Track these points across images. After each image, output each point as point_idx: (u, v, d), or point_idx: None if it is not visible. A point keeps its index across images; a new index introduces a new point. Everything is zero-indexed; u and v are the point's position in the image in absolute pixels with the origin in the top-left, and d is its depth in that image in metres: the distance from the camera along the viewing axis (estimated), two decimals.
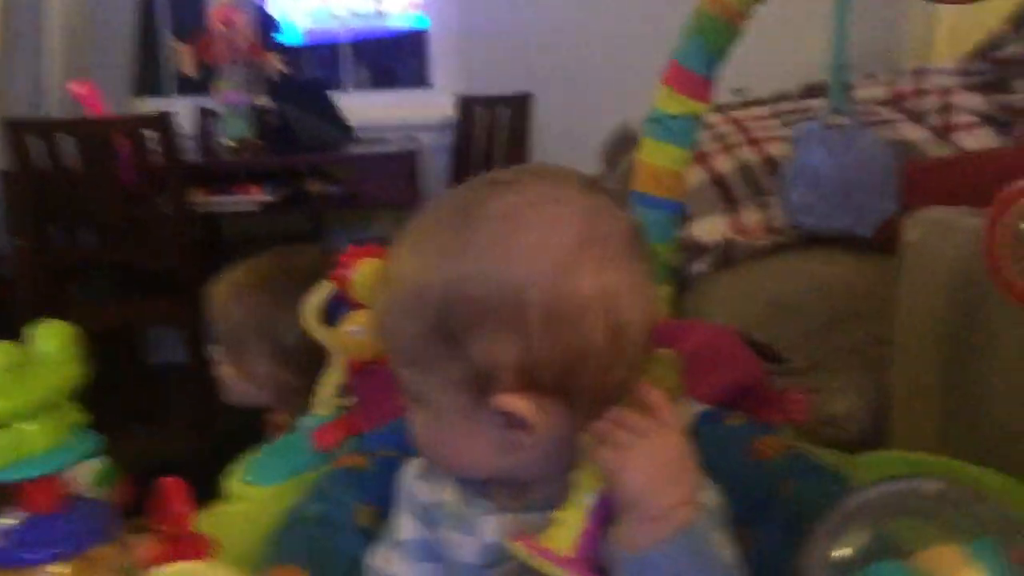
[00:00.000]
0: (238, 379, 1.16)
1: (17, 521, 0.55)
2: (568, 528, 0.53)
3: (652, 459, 0.52)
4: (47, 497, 0.55)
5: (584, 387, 0.55)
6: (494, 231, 0.55)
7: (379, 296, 0.60)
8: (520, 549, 0.53)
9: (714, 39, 0.90)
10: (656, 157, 0.95)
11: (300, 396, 1.07)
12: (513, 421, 0.55)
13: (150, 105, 2.95)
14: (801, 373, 1.27)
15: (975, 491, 0.42)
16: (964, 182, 0.89)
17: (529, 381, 0.54)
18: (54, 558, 0.55)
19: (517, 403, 0.55)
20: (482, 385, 0.55)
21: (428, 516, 0.64)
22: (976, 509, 0.41)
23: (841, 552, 0.40)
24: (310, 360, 1.06)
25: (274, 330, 1.10)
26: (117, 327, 2.70)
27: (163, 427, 2.53)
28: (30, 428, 0.53)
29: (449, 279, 0.55)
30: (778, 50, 2.55)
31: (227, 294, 1.14)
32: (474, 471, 0.60)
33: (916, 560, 0.39)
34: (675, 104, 0.93)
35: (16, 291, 2.32)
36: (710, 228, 1.82)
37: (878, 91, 2.06)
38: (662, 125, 0.94)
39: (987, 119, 1.89)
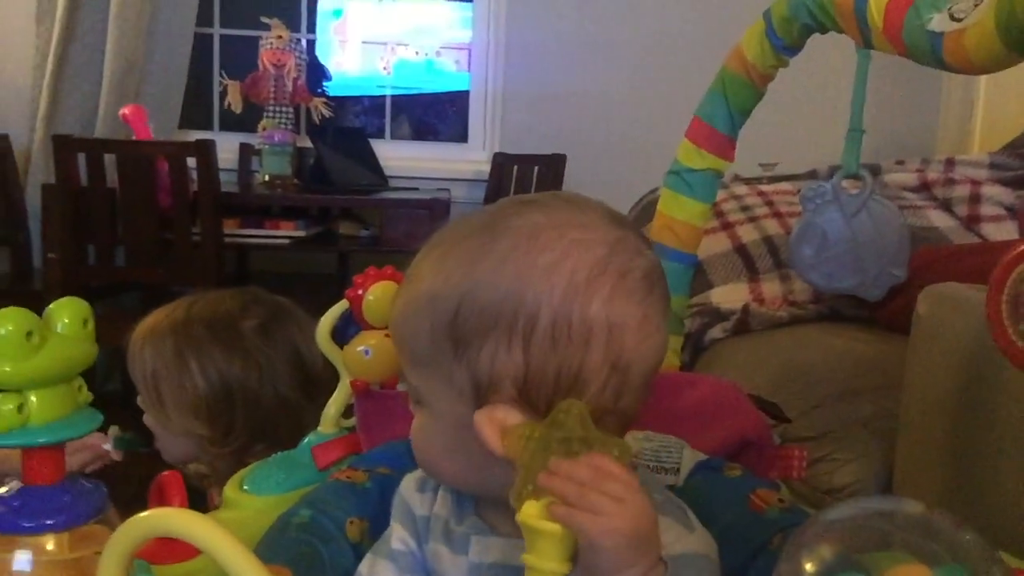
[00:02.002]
0: (157, 427, 1.13)
1: (13, 489, 0.56)
2: None
3: (630, 525, 0.51)
4: (47, 468, 0.56)
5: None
6: (515, 245, 0.56)
7: (400, 294, 0.62)
8: None
9: (736, 98, 0.92)
10: (674, 209, 0.96)
11: (214, 446, 1.09)
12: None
13: (194, 137, 3.03)
14: (808, 442, 1.26)
15: (957, 520, 0.42)
16: (974, 269, 0.90)
17: (524, 397, 0.55)
18: (48, 528, 0.55)
19: (509, 417, 0.55)
20: (481, 394, 0.56)
21: (420, 529, 0.64)
22: (957, 537, 0.40)
23: (810, 567, 0.40)
24: (219, 411, 1.08)
25: (182, 376, 1.08)
26: None
27: None
28: (37, 397, 0.54)
29: (465, 285, 0.56)
30: (813, 129, 2.59)
31: (140, 341, 1.11)
32: (460, 482, 0.61)
33: None
34: (696, 159, 0.95)
35: (46, 304, 2.37)
36: (730, 296, 1.83)
37: (908, 177, 2.08)
38: (682, 179, 0.96)
39: (1014, 212, 1.90)
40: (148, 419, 1.13)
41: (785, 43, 0.89)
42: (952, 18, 0.70)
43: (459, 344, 0.56)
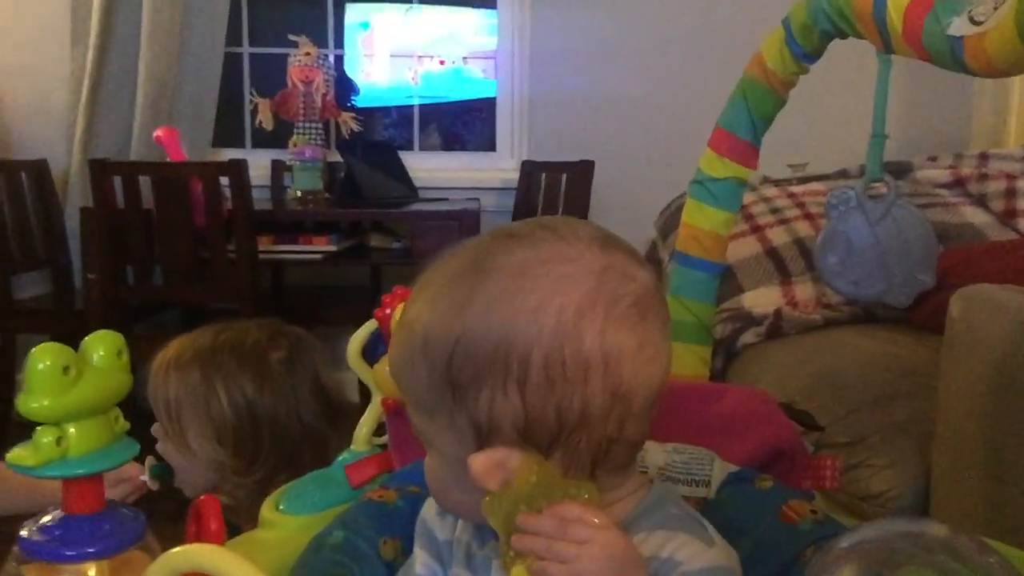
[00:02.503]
0: (177, 456, 1.12)
1: (55, 519, 0.58)
2: None
3: (598, 565, 0.51)
4: (86, 498, 0.58)
5: (582, 447, 0.56)
6: (503, 287, 0.56)
7: (396, 339, 0.61)
8: None
9: (758, 106, 0.92)
10: (699, 219, 0.96)
11: (238, 475, 1.09)
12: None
13: (227, 155, 3.08)
14: (844, 448, 1.25)
15: (983, 543, 0.42)
16: (1008, 267, 0.89)
17: (526, 437, 0.55)
18: (90, 556, 0.57)
19: (514, 460, 0.55)
20: (483, 436, 0.56)
21: (443, 553, 0.64)
22: (980, 561, 0.40)
23: None
24: (245, 439, 1.09)
25: (209, 405, 1.08)
26: None
27: None
28: (75, 429, 0.56)
29: (457, 331, 0.56)
30: (842, 127, 2.56)
31: (164, 368, 1.11)
32: (474, 516, 0.60)
33: None
34: (719, 167, 0.95)
35: (85, 324, 2.42)
36: (762, 300, 1.81)
37: (941, 173, 2.05)
38: (705, 188, 0.95)
39: None
40: (164, 448, 1.13)
41: (805, 50, 0.89)
42: (972, 21, 0.69)
43: (457, 390, 0.56)
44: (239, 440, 1.08)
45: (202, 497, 0.71)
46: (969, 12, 0.69)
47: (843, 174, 2.16)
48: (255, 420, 1.09)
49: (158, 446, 1.13)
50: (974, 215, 1.88)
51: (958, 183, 2.00)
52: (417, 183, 3.03)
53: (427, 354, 0.57)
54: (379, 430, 0.90)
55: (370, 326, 0.90)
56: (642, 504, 0.60)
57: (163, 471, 1.12)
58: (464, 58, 3.41)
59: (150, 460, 1.11)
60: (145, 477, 1.09)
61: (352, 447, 0.92)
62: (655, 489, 0.61)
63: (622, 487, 0.59)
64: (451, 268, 0.59)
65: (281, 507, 0.87)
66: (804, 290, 1.78)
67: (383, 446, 0.89)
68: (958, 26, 0.69)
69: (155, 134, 2.62)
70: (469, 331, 0.55)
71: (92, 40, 2.89)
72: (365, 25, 3.44)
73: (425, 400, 0.58)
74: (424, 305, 0.58)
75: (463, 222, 2.55)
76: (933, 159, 2.17)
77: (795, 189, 2.05)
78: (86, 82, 2.90)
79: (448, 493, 0.61)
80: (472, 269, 0.57)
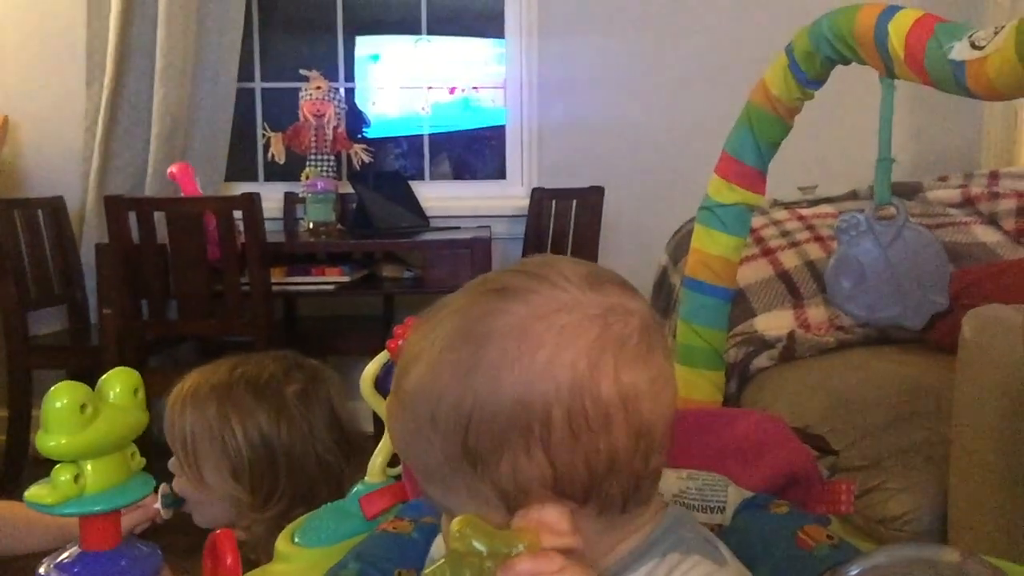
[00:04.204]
0: (193, 491, 1.11)
1: (73, 556, 0.59)
2: None
3: None
4: (104, 534, 0.58)
5: (615, 489, 0.55)
6: (506, 350, 0.54)
7: (395, 413, 0.59)
8: None
9: (764, 132, 0.92)
10: (708, 245, 0.97)
11: (254, 511, 1.08)
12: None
13: (240, 189, 3.10)
14: (859, 471, 1.24)
15: (996, 568, 0.41)
16: (1020, 286, 0.88)
17: (558, 492, 0.54)
18: None
19: (547, 516, 0.54)
20: (511, 501, 0.55)
21: None
22: None
23: None
24: (262, 475, 1.08)
25: (225, 440, 1.08)
26: None
27: None
28: (92, 466, 0.56)
29: (468, 402, 0.54)
30: (852, 148, 2.56)
31: (180, 403, 1.11)
32: None
33: None
34: (727, 193, 0.95)
35: (101, 359, 2.44)
36: (775, 323, 1.81)
37: (951, 193, 2.05)
38: (714, 214, 0.96)
39: None
40: (180, 483, 1.12)
41: (809, 76, 0.90)
42: (973, 46, 0.70)
43: (477, 462, 0.54)
44: (255, 476, 1.08)
45: (218, 531, 0.71)
46: (970, 37, 0.70)
47: (853, 195, 2.16)
48: (271, 456, 1.09)
49: (175, 481, 1.12)
50: (985, 234, 1.88)
51: (968, 202, 2.00)
52: (428, 212, 3.05)
53: (439, 429, 0.55)
54: (393, 460, 0.91)
55: (382, 357, 0.91)
56: (657, 530, 0.60)
57: (176, 500, 1.12)
58: (474, 87, 3.44)
59: (163, 488, 1.11)
60: (159, 505, 1.09)
61: (366, 478, 0.92)
62: (669, 513, 0.61)
63: (642, 516, 0.59)
64: (442, 335, 0.56)
65: (296, 539, 0.87)
66: (816, 312, 1.78)
67: (397, 477, 0.90)
68: (959, 51, 0.70)
69: (169, 170, 2.65)
70: (481, 401, 0.53)
71: (107, 80, 2.93)
72: (375, 57, 3.48)
73: (441, 474, 0.56)
74: (422, 376, 0.56)
75: (474, 250, 2.56)
76: (943, 179, 2.17)
77: (805, 212, 2.05)
78: (101, 120, 2.94)
79: None
80: (468, 335, 0.55)
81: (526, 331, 0.54)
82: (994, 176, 2.08)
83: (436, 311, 0.58)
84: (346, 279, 2.62)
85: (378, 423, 0.92)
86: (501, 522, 0.55)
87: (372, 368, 0.91)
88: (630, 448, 0.55)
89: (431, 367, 0.55)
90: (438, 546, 0.67)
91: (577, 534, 0.54)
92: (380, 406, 0.90)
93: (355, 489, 0.91)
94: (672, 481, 0.73)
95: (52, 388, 0.56)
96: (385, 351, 0.90)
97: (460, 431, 0.54)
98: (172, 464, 1.13)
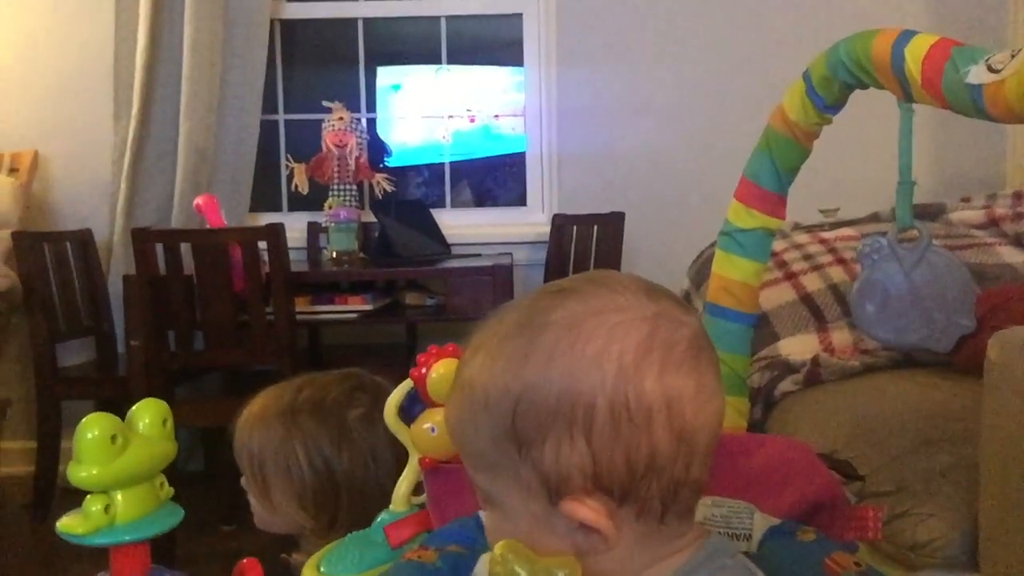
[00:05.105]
0: (261, 509, 1.13)
1: None
2: None
3: None
4: (133, 563, 0.59)
5: (653, 491, 0.56)
6: (559, 339, 0.57)
7: (452, 401, 0.62)
8: None
9: (782, 157, 0.93)
10: (728, 270, 0.97)
11: (316, 536, 1.08)
12: (586, 524, 0.56)
13: (265, 219, 3.15)
14: (887, 496, 1.23)
15: None
16: None
17: (598, 486, 0.56)
18: None
19: (585, 510, 0.56)
20: (553, 490, 0.56)
21: None
22: None
23: None
24: (325, 502, 1.09)
25: (289, 465, 1.09)
26: (217, 427, 2.81)
27: (249, 531, 2.57)
28: (123, 496, 0.57)
29: (518, 387, 0.57)
30: (873, 170, 2.56)
31: (248, 424, 1.13)
32: None
33: None
34: (746, 218, 0.95)
35: (129, 390, 2.46)
36: (799, 347, 1.80)
37: (975, 214, 2.04)
38: (733, 239, 0.96)
39: None
40: (253, 503, 1.14)
41: (827, 101, 0.90)
42: (990, 70, 0.70)
43: (522, 445, 0.57)
44: (318, 502, 1.09)
45: (245, 560, 0.72)
46: (987, 60, 0.70)
47: (875, 218, 2.15)
48: (334, 483, 1.09)
49: (249, 497, 1.14)
50: (1011, 255, 1.86)
51: (993, 223, 1.98)
52: (450, 240, 3.07)
53: (490, 412, 0.58)
54: (417, 489, 0.91)
55: (406, 386, 0.91)
56: (697, 556, 0.60)
57: None
58: (494, 115, 3.47)
59: None
60: None
61: (391, 507, 0.92)
62: (710, 542, 0.62)
63: (683, 537, 0.60)
64: (504, 327, 0.60)
65: (322, 569, 0.87)
66: (841, 336, 1.76)
67: (422, 505, 0.90)
68: (976, 74, 0.70)
69: (195, 202, 2.69)
70: (530, 385, 0.57)
71: (134, 114, 2.99)
72: (396, 87, 3.52)
73: (489, 458, 0.59)
74: (481, 365, 0.60)
75: (496, 277, 2.56)
76: (966, 200, 2.16)
77: (827, 234, 2.04)
78: (128, 154, 3.00)
79: None
80: (526, 325, 0.59)
81: (580, 324, 0.57)
82: (1018, 196, 2.07)
83: (502, 309, 0.62)
84: (369, 307, 2.63)
85: (402, 452, 0.93)
86: (541, 512, 0.57)
87: (396, 396, 0.92)
88: (671, 451, 0.56)
89: (490, 355, 0.59)
90: (483, 563, 0.67)
91: (614, 530, 0.56)
92: (404, 434, 0.90)
93: (380, 518, 0.92)
94: (697, 508, 0.73)
95: (84, 420, 0.57)
96: (408, 379, 0.91)
97: (508, 414, 0.57)
98: (244, 482, 1.15)
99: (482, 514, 0.66)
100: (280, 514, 1.12)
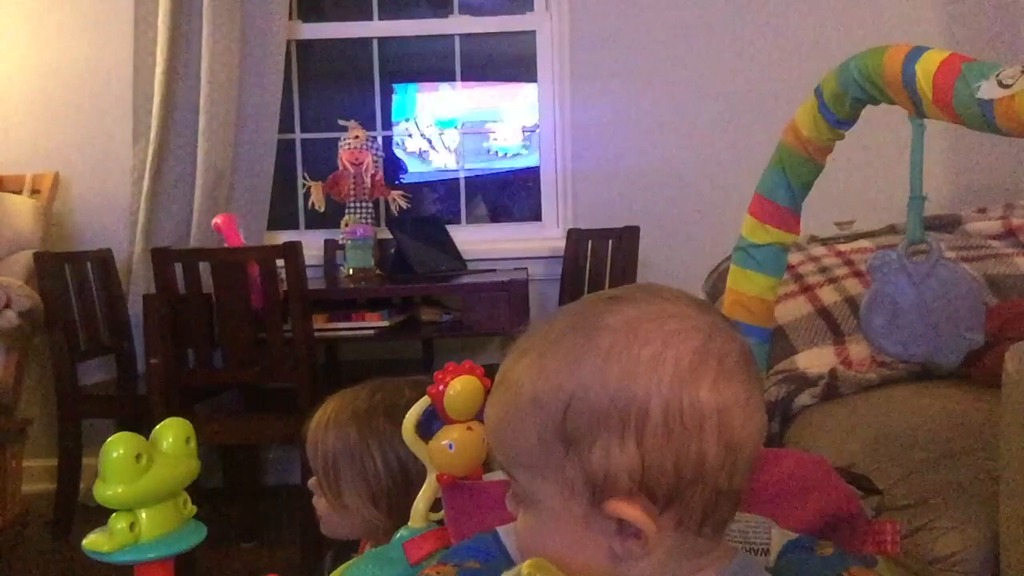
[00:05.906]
0: (331, 512, 1.15)
1: None
2: None
3: None
4: None
5: (696, 499, 0.57)
6: (615, 342, 0.57)
7: (495, 400, 0.62)
8: None
9: (796, 173, 0.93)
10: (743, 285, 0.97)
11: (387, 536, 1.06)
12: (626, 529, 0.57)
13: (282, 238, 3.17)
14: (906, 510, 1.22)
15: None
16: None
17: (644, 489, 0.56)
18: None
19: (631, 510, 0.56)
20: (597, 490, 0.56)
21: None
22: None
23: None
24: (399, 500, 1.08)
25: (364, 465, 1.11)
26: (237, 445, 2.83)
27: (269, 547, 2.58)
28: (147, 514, 0.58)
29: (571, 387, 0.57)
30: (889, 182, 2.55)
31: (323, 426, 1.15)
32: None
33: None
34: (761, 234, 0.96)
35: (149, 408, 2.48)
36: (816, 360, 1.79)
37: (991, 225, 2.03)
38: (748, 254, 0.96)
39: None
40: (319, 503, 1.16)
41: (839, 117, 0.91)
42: (1000, 85, 0.71)
43: (570, 444, 0.57)
44: (392, 502, 1.10)
45: None
46: (997, 76, 0.71)
47: (891, 230, 2.14)
48: (408, 481, 1.10)
49: (314, 499, 1.16)
50: None
51: (1009, 233, 1.98)
52: (465, 255, 3.09)
53: (537, 412, 0.58)
54: (435, 506, 0.91)
55: (424, 403, 0.92)
56: (726, 571, 0.60)
57: None
58: (508, 131, 3.49)
59: None
60: None
61: (409, 523, 0.93)
62: (738, 559, 0.62)
63: (710, 554, 0.60)
64: (554, 330, 0.60)
65: None
66: (858, 349, 1.76)
67: (440, 522, 0.90)
68: (987, 90, 0.71)
69: (214, 222, 2.72)
70: (584, 386, 0.57)
71: (152, 136, 3.03)
72: (411, 104, 3.55)
73: (532, 458, 0.59)
74: (530, 364, 0.60)
75: (511, 292, 2.57)
76: (982, 210, 2.15)
77: (843, 247, 2.04)
78: (147, 175, 3.03)
79: (551, 556, 0.60)
80: (579, 328, 0.59)
81: (637, 328, 0.58)
82: None
83: (549, 316, 0.62)
84: (385, 324, 2.64)
85: (420, 469, 0.93)
86: (581, 514, 0.57)
87: (414, 412, 0.92)
88: (719, 460, 0.56)
89: (541, 355, 0.59)
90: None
91: (656, 532, 0.56)
92: (422, 451, 0.91)
93: (398, 535, 0.92)
94: None
95: (109, 439, 0.58)
96: (426, 396, 0.92)
97: (559, 413, 0.57)
98: (312, 483, 1.17)
99: (502, 529, 0.66)
100: (351, 515, 1.13)
